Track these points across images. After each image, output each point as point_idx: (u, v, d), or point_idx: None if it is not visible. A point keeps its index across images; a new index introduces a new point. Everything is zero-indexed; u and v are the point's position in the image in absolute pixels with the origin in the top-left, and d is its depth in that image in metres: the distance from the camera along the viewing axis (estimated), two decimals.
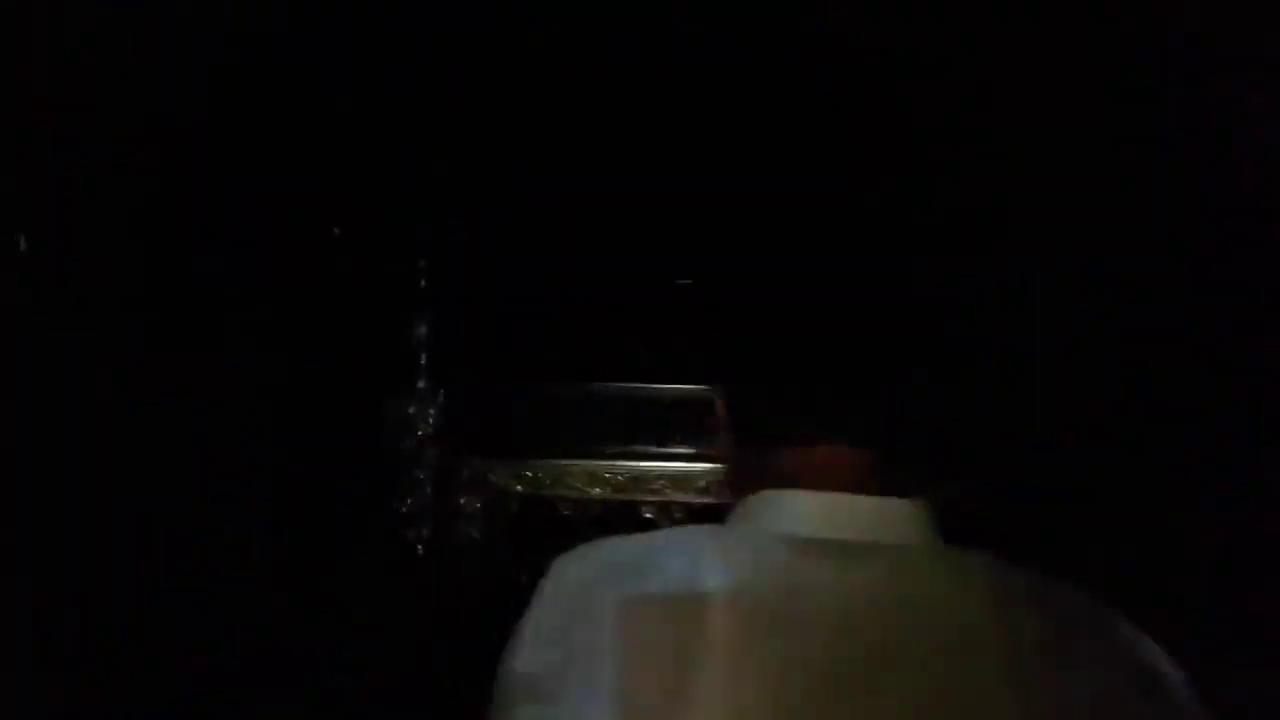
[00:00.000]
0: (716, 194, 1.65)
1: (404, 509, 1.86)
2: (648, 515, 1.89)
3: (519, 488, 1.94)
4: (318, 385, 1.89)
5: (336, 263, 1.84)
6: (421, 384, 1.89)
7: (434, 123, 1.79)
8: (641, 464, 1.94)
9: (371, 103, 1.71)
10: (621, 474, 1.92)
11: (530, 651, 0.79)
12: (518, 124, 1.78)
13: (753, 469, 0.89)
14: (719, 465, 1.78)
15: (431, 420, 1.89)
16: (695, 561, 0.77)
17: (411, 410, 1.89)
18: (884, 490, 0.83)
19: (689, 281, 1.78)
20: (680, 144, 1.78)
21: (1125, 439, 1.74)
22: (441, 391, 1.89)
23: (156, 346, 1.52)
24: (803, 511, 0.82)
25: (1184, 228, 1.70)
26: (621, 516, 1.86)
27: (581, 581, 0.81)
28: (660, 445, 1.93)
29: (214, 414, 1.70)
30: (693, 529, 0.87)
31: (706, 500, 1.87)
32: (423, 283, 1.85)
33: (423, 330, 1.86)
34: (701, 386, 1.85)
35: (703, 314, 1.67)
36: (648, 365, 1.86)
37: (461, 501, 1.91)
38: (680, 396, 1.93)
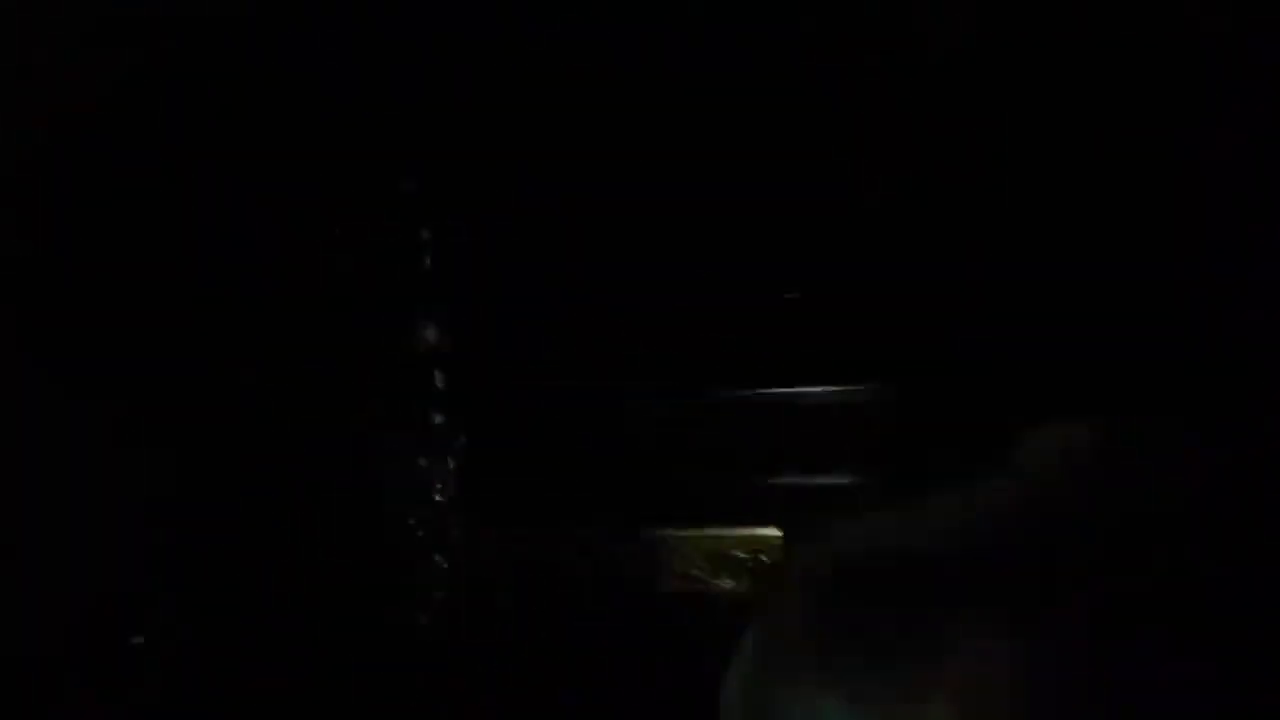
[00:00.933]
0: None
1: (419, 618, 1.13)
2: None
3: (590, 575, 1.23)
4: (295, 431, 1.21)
5: (337, 262, 1.39)
6: (438, 419, 1.23)
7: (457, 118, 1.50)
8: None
9: (371, 102, 1.53)
10: (763, 548, 1.22)
11: None
12: (559, 120, 1.53)
13: None
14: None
15: (451, 477, 1.23)
16: None
17: (423, 463, 1.22)
18: None
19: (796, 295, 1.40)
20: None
21: None
22: (464, 436, 1.25)
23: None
24: None
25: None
26: None
27: None
28: (808, 472, 1.28)
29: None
30: None
31: None
32: (426, 261, 1.24)
33: (431, 333, 1.23)
34: (853, 387, 1.34)
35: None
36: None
37: (503, 598, 1.18)
38: (836, 400, 1.28)
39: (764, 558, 1.24)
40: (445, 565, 1.22)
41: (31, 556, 1.26)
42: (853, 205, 1.49)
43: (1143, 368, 1.46)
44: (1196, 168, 1.58)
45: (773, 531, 1.26)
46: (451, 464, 1.26)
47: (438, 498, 1.23)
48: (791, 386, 1.30)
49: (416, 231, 1.34)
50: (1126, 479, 0.84)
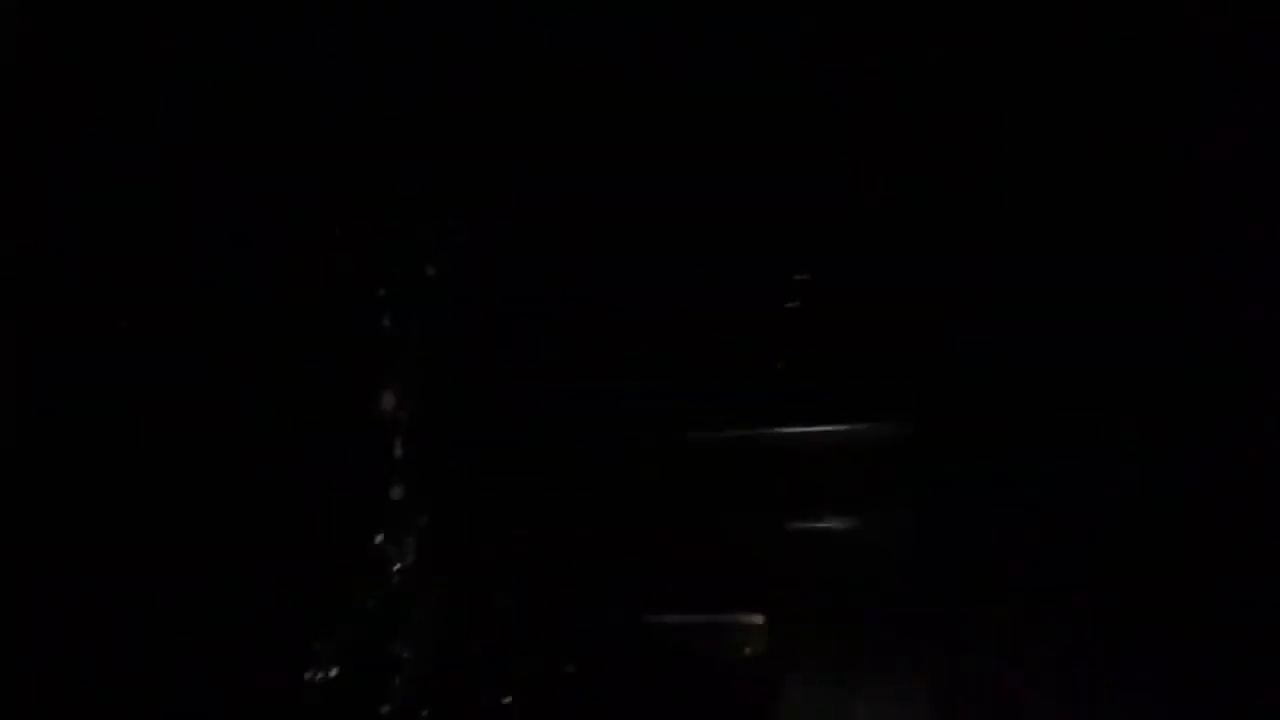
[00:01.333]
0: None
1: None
2: None
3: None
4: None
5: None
6: (397, 493, 1.06)
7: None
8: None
9: (374, 103, 1.51)
10: (748, 639, 1.11)
11: None
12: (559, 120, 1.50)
13: None
14: None
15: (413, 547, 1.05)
16: None
17: (381, 537, 1.04)
18: None
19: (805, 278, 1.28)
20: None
21: None
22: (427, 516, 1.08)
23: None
24: None
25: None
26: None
27: None
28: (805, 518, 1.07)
29: None
30: None
31: None
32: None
33: (391, 402, 1.05)
34: (860, 424, 1.15)
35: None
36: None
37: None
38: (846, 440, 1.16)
39: (748, 649, 1.14)
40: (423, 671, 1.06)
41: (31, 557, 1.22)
42: (855, 209, 1.40)
43: (1143, 368, 1.43)
44: (1196, 168, 1.50)
45: (757, 619, 1.16)
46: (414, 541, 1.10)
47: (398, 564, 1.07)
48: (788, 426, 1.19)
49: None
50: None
